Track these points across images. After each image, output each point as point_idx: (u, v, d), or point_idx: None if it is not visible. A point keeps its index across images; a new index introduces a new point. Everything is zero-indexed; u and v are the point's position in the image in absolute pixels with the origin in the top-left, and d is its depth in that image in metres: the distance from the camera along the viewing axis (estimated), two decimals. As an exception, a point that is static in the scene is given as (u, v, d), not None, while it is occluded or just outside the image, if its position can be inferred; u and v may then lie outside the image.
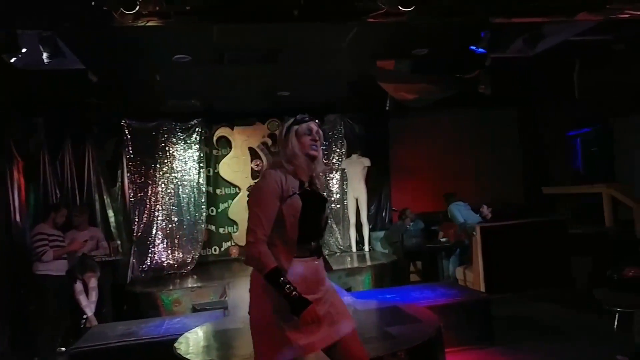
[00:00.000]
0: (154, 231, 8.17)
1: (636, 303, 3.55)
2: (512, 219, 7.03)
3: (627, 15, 4.81)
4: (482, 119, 9.54)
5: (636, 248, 6.52)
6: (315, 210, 2.31)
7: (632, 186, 7.72)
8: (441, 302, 4.92)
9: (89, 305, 6.28)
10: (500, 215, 7.74)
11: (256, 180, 8.88)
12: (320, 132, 2.41)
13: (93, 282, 6.37)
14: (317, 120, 2.45)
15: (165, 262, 8.13)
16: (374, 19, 4.66)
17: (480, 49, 5.29)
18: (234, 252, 9.01)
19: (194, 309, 6.35)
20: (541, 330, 5.20)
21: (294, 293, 2.09)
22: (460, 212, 7.79)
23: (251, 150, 9.26)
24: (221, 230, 9.11)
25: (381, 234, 8.89)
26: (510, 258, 6.54)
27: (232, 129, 9.20)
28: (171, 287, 6.84)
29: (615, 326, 4.18)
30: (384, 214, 9.28)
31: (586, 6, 4.66)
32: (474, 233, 6.85)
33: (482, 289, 6.40)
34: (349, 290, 6.68)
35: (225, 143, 9.24)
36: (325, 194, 2.42)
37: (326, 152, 9.19)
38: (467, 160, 9.47)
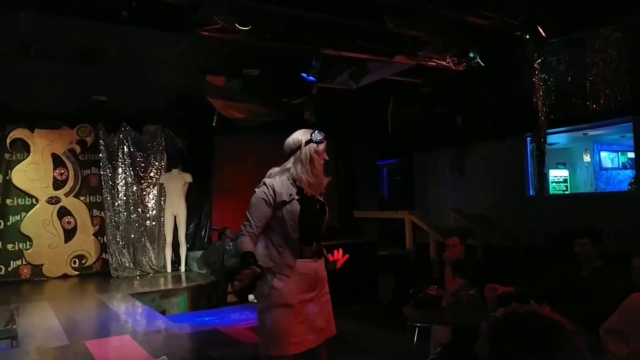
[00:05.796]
0: None
1: (434, 318, 3.91)
2: (328, 240, 7.36)
3: (434, 64, 5.49)
4: (303, 144, 9.92)
5: (430, 268, 7.36)
6: (313, 214, 2.52)
7: (428, 213, 8.73)
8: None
9: None
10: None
11: (60, 191, 8.12)
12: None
13: None
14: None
15: None
16: (208, 33, 4.54)
17: (310, 77, 5.51)
18: (26, 272, 7.88)
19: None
20: (351, 346, 5.44)
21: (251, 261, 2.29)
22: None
23: (55, 157, 8.28)
24: (9, 246, 7.93)
25: (199, 253, 8.57)
26: (328, 277, 6.83)
27: (32, 132, 8.14)
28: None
29: (414, 340, 4.56)
30: (203, 233, 8.95)
31: (403, 50, 5.19)
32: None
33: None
34: (163, 313, 6.29)
35: (22, 147, 8.12)
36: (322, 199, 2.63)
37: (143, 165, 8.62)
38: (287, 183, 9.71)
